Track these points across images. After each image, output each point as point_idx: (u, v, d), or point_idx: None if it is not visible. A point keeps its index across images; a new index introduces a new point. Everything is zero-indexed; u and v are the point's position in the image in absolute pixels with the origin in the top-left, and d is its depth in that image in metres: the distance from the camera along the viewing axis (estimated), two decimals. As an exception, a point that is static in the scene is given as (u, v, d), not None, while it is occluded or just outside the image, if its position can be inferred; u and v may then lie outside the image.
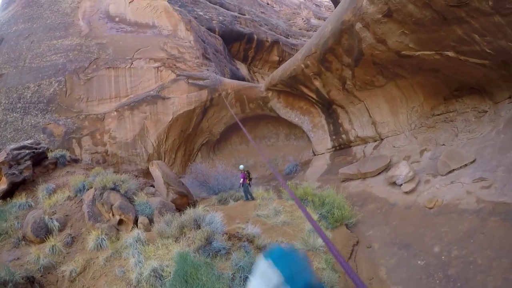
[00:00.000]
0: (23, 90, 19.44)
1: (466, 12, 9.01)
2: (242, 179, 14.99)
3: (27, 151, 13.16)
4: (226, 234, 8.96)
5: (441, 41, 10.71)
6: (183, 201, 12.24)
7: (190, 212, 9.17)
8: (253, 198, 14.21)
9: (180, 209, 11.27)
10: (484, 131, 12.31)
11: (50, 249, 8.65)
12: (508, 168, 9.99)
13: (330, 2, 36.80)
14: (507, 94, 11.82)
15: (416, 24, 10.53)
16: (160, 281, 6.76)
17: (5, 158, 12.41)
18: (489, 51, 9.84)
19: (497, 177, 10.00)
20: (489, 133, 12.02)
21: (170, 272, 6.77)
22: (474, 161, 11.50)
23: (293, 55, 21.99)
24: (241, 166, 16.09)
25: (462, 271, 7.77)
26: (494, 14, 8.60)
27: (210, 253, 7.65)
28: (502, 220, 8.52)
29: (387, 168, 15.01)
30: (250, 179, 15.31)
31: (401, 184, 12.92)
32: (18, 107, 18.97)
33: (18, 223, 10.13)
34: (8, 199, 11.90)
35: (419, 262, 8.86)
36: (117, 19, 23.15)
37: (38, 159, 13.66)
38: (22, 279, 7.11)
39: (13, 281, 6.84)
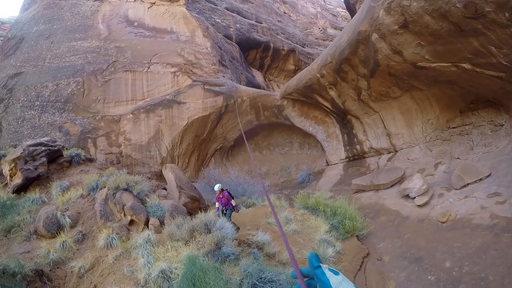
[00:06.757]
0: (41, 89, 19.93)
1: (483, 24, 8.95)
2: (222, 205, 11.19)
3: (43, 148, 13.51)
4: (236, 240, 9.00)
5: (458, 53, 10.62)
6: (195, 205, 12.32)
7: (201, 217, 9.20)
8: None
9: (191, 213, 11.35)
10: (500, 145, 12.12)
11: (61, 245, 8.83)
12: (524, 184, 9.82)
13: (347, 12, 36.85)
14: (524, 108, 11.65)
15: (432, 35, 10.49)
16: (168, 282, 6.81)
17: (21, 153, 12.81)
18: (505, 63, 9.71)
19: (513, 193, 9.83)
20: (505, 147, 11.83)
21: (178, 275, 6.81)
22: (489, 175, 11.32)
23: (309, 64, 22.07)
24: (218, 186, 11.39)
25: (473, 287, 7.63)
26: (511, 26, 8.51)
27: (219, 258, 7.67)
28: (516, 237, 8.36)
29: (400, 180, 14.85)
30: (232, 198, 11.59)
31: (415, 197, 12.76)
32: (36, 105, 19.42)
33: (30, 217, 10.37)
34: (22, 193, 12.26)
35: (429, 277, 8.71)
36: (135, 23, 23.61)
37: (54, 156, 13.97)
38: (31, 271, 7.24)
39: (22, 273, 6.97)
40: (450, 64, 11.27)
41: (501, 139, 12.27)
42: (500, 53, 9.52)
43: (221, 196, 11.20)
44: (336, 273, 1.04)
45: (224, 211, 11.10)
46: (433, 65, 11.80)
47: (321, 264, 1.06)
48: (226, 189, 11.77)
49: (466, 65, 10.84)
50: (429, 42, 10.93)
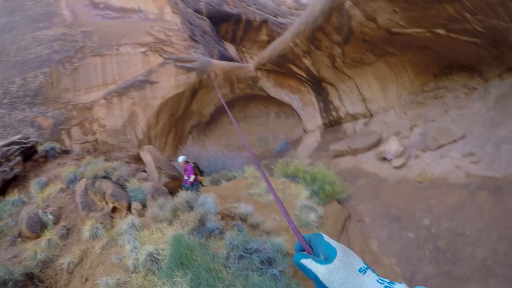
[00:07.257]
0: (8, 85, 18.92)
1: (457, -10, 8.97)
2: (190, 176, 11.52)
3: (16, 147, 12.94)
4: (219, 214, 9.03)
5: (432, 19, 10.64)
6: (175, 184, 12.24)
7: (182, 195, 9.17)
8: None
9: (172, 192, 11.26)
10: (474, 107, 12.42)
11: (47, 243, 8.58)
12: (497, 144, 10.17)
13: (318, -22, 36.30)
14: (497, 72, 11.88)
15: (406, 2, 10.43)
16: (156, 264, 6.79)
17: (-6, 156, 12.25)
18: (480, 29, 9.82)
19: (486, 153, 10.18)
20: (479, 110, 12.13)
21: (165, 255, 6.80)
22: (463, 136, 11.65)
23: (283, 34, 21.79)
24: (181, 158, 12.09)
25: (452, 242, 7.97)
26: (485, -9, 8.56)
27: (204, 234, 7.71)
28: (490, 194, 8.72)
29: (377, 144, 15.13)
30: (201, 173, 12.14)
31: (391, 159, 13.07)
32: (4, 102, 18.47)
33: (13, 220, 9.95)
34: (0, 197, 11.75)
35: (409, 234, 9.05)
36: (101, 5, 22.50)
37: (28, 153, 13.45)
38: (22, 276, 7.09)
39: (13, 280, 6.82)
40: (425, 30, 11.30)
41: (474, 102, 12.57)
42: (475, 19, 9.60)
43: (189, 164, 11.67)
44: (331, 256, 0.86)
45: (199, 182, 11.54)
46: (408, 31, 11.81)
47: (302, 260, 0.90)
48: (194, 163, 12.13)
49: (441, 31, 10.90)
50: (404, 8, 10.88)
